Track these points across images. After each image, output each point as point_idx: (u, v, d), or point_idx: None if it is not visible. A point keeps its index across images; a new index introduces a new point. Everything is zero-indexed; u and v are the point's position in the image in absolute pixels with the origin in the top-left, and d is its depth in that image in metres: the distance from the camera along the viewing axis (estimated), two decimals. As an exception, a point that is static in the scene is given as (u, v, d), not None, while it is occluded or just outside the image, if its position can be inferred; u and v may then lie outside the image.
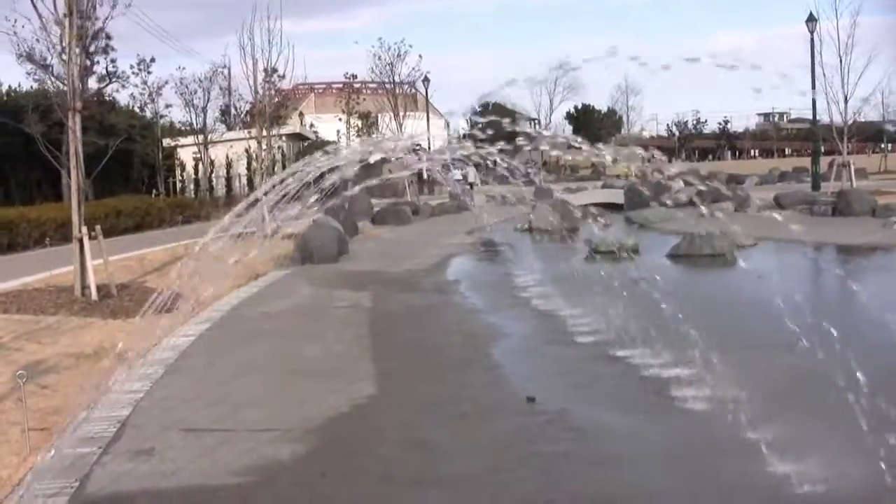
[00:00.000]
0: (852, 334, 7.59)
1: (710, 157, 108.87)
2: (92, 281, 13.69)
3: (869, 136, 73.76)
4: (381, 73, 45.42)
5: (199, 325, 11.86)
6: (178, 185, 43.16)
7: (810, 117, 39.73)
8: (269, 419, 7.30)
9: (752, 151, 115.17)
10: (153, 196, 35.38)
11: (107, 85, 35.46)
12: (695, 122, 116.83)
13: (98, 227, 14.18)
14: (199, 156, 43.08)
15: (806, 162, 46.11)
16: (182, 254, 18.49)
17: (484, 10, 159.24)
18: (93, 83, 29.82)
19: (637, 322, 9.79)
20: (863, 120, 57.91)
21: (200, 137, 42.53)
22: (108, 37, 32.33)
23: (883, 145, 62.08)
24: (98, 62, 28.99)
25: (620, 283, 15.07)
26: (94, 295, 13.60)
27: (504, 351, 10.18)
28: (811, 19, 34.79)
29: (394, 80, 45.24)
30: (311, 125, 62.60)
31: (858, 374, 6.03)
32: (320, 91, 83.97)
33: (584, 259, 19.76)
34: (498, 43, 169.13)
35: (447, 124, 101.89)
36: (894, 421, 5.75)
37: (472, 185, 28.88)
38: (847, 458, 5.79)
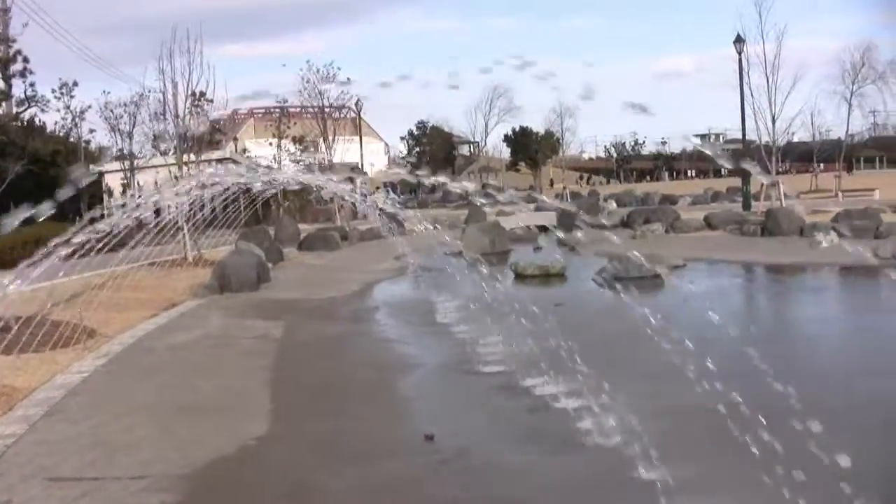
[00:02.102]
0: (781, 366, 7.24)
1: (648, 177, 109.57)
2: (-14, 314, 12.99)
3: (801, 156, 74.66)
4: (309, 95, 44.88)
5: (95, 360, 11.22)
6: (106, 212, 42.08)
7: (744, 138, 39.98)
8: (144, 465, 6.77)
9: (689, 172, 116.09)
10: (76, 223, 34.43)
11: (25, 109, 34.57)
12: (633, 143, 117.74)
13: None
14: (126, 181, 42.25)
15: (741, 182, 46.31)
16: (96, 284, 17.85)
17: (415, 30, 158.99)
18: (7, 107, 29.11)
19: (551, 351, 9.37)
20: (797, 140, 58.67)
21: (127, 163, 41.71)
22: (26, 59, 31.66)
23: (814, 166, 62.71)
24: (12, 85, 28.34)
25: (542, 309, 14.77)
26: (-13, 329, 12.90)
27: (412, 384, 9.76)
28: (738, 40, 35.02)
29: (322, 104, 44.72)
30: (245, 150, 61.77)
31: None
32: (259, 116, 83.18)
33: (511, 283, 19.45)
34: (434, 64, 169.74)
35: (387, 148, 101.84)
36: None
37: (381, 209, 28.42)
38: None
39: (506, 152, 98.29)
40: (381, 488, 6.20)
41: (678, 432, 6.96)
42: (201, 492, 6.20)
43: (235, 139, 67.93)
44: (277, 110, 53.21)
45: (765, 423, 5.52)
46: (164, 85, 27.82)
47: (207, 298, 17.31)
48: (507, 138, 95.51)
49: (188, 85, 27.97)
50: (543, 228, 33.13)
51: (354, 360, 11.22)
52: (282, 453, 7.08)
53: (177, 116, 27.58)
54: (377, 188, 69.10)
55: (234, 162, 52.05)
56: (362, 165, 54.31)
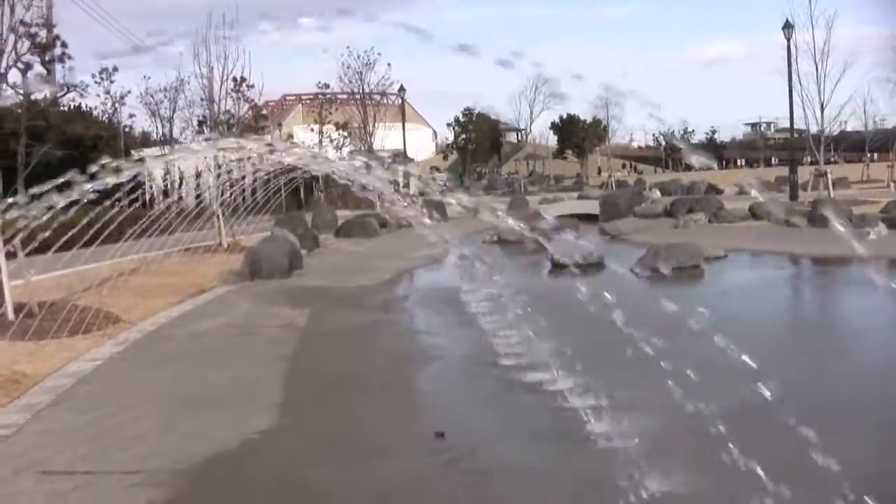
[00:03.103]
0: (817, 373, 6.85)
1: (698, 166, 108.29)
2: (8, 299, 12.86)
3: (854, 145, 73.37)
4: (350, 82, 44.78)
5: (113, 347, 11.04)
6: (147, 197, 42.15)
7: (791, 126, 39.24)
8: (141, 459, 6.52)
9: (739, 161, 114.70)
10: (117, 208, 34.36)
11: (64, 94, 34.64)
12: (682, 132, 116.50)
13: (18, 241, 13.33)
14: (167, 167, 42.18)
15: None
16: (127, 269, 17.75)
17: (463, 17, 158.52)
18: (48, 91, 29.14)
19: (580, 345, 9.05)
20: (850, 129, 57.59)
21: (168, 148, 41.82)
22: (65, 44, 31.67)
23: (867, 155, 61.52)
24: (51, 70, 28.33)
25: (574, 300, 14.41)
26: (10, 314, 12.76)
27: (430, 377, 9.46)
28: (787, 26, 34.26)
29: (363, 90, 44.56)
30: (290, 136, 61.78)
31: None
32: (308, 101, 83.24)
33: (546, 273, 19.11)
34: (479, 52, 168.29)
35: (435, 134, 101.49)
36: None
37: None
38: None
39: (552, 140, 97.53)
40: (385, 491, 5.90)
41: (672, 430, 6.60)
42: (194, 489, 5.93)
43: (280, 125, 67.96)
44: (321, 96, 53.21)
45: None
46: (200, 69, 27.66)
47: (237, 285, 17.11)
48: (553, 126, 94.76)
49: (223, 70, 27.78)
50: (587, 217, 32.76)
51: (376, 350, 10.94)
52: (284, 449, 6.80)
53: (211, 101, 27.43)
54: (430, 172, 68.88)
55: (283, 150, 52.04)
56: (405, 152, 54.01)
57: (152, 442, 6.96)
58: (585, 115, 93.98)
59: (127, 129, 44.98)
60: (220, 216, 23.82)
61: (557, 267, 19.40)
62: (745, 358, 5.83)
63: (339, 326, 12.79)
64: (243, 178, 28.99)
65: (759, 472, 4.87)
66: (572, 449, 6.69)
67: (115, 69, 43.11)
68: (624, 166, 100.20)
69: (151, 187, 44.74)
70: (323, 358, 10.54)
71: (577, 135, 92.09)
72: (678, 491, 5.44)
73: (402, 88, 49.20)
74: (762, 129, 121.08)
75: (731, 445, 5.21)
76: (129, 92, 43.99)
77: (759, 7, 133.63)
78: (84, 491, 5.87)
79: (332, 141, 48.62)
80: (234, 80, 35.56)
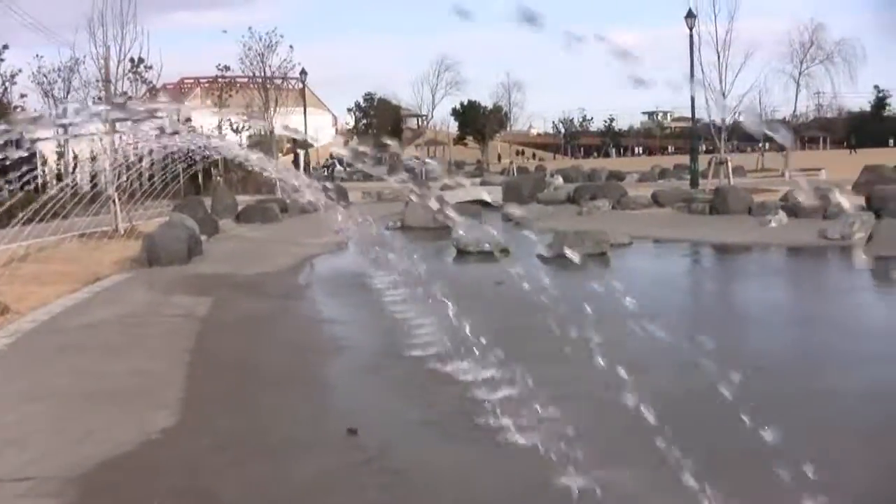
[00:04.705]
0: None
1: (596, 154, 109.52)
2: None
3: (748, 135, 74.78)
4: (251, 63, 43.96)
5: (3, 338, 10.43)
6: (40, 181, 40.95)
7: (693, 115, 39.72)
8: (32, 463, 6.07)
9: (637, 149, 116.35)
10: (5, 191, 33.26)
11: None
12: (581, 119, 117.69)
13: None
14: (61, 150, 41.00)
15: (688, 159, 46.14)
16: (18, 256, 17.00)
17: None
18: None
19: (491, 333, 8.78)
20: (742, 119, 58.54)
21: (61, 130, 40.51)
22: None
23: (760, 144, 62.76)
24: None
25: (481, 287, 14.22)
26: None
27: (339, 368, 9.15)
28: (690, 15, 34.60)
29: (264, 72, 43.77)
30: (188, 119, 60.55)
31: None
32: (206, 85, 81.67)
33: (452, 260, 18.90)
34: (380, 34, 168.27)
35: (335, 120, 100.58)
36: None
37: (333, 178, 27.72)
38: None
39: (454, 126, 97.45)
40: (291, 496, 5.58)
41: (592, 420, 6.45)
42: (85, 497, 5.52)
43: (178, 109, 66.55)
44: (221, 79, 52.19)
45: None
46: (96, 49, 26.74)
47: (134, 272, 16.50)
48: (454, 112, 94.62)
49: (120, 50, 26.88)
50: (489, 203, 32.61)
51: (281, 341, 10.55)
52: (187, 451, 6.41)
53: (107, 82, 26.54)
54: (326, 160, 68.23)
55: (175, 132, 50.92)
56: (307, 136, 53.31)
57: (46, 444, 6.49)
58: (486, 101, 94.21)
59: (19, 110, 43.39)
60: (117, 201, 23.03)
61: (463, 253, 19.22)
62: (658, 341, 6.15)
63: (241, 315, 12.35)
64: (140, 160, 28.24)
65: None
66: (488, 443, 6.42)
67: (6, 47, 41.55)
68: (518, 153, 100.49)
69: (45, 171, 43.45)
70: (226, 349, 10.11)
71: (477, 121, 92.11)
72: (598, 484, 5.22)
73: (303, 72, 48.50)
74: (659, 117, 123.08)
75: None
76: (20, 71, 42.42)
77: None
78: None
79: (231, 125, 47.72)
80: (132, 60, 34.60)
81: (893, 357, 9.33)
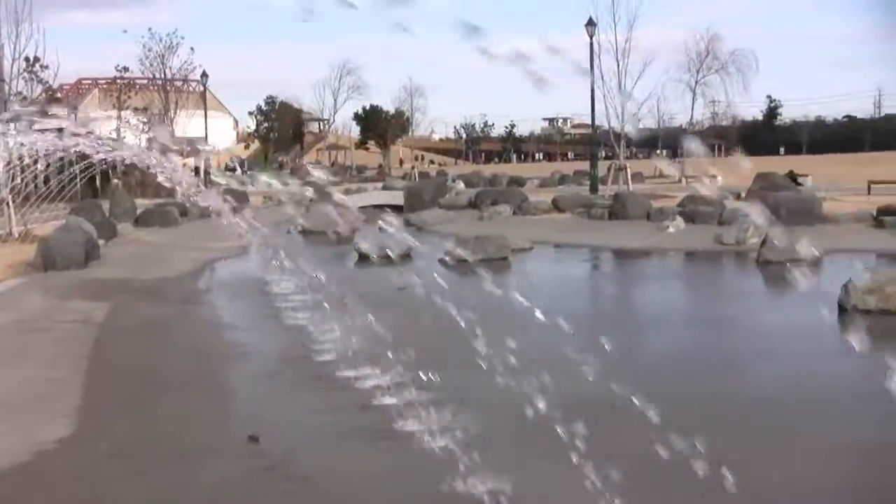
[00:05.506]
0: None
1: (497, 159, 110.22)
2: None
3: (646, 142, 76.35)
4: (151, 65, 43.33)
5: None
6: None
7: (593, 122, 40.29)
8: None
9: (537, 155, 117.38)
10: None
11: None
12: (482, 125, 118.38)
13: None
14: (-50, 151, 39.83)
15: (588, 165, 46.85)
16: None
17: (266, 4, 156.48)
18: None
19: (391, 338, 8.81)
20: (642, 126, 59.71)
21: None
22: None
23: (658, 151, 64.16)
24: None
25: (382, 291, 14.23)
26: None
27: (239, 374, 9.10)
28: (590, 23, 35.10)
29: (165, 74, 43.18)
30: (89, 121, 59.39)
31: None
32: (105, 86, 79.95)
33: (353, 264, 18.89)
34: (282, 38, 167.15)
35: (236, 123, 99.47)
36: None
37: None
38: None
39: (355, 130, 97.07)
40: (191, 502, 5.54)
41: (492, 422, 6.56)
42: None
43: (76, 109, 65.15)
44: (120, 80, 51.29)
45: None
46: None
47: (28, 277, 16.12)
48: (356, 116, 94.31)
49: (15, 48, 26.24)
50: (391, 208, 32.65)
51: (180, 347, 10.44)
52: (82, 460, 6.32)
53: (1, 80, 25.89)
54: (227, 164, 67.50)
55: (75, 134, 49.87)
56: (207, 139, 52.68)
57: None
58: (389, 106, 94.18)
59: None
60: (10, 204, 22.47)
61: (364, 258, 19.21)
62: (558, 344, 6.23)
63: (139, 321, 12.16)
64: (35, 162, 27.59)
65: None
66: (392, 448, 6.46)
67: None
68: (417, 158, 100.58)
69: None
70: (124, 356, 9.96)
71: (379, 125, 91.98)
72: (502, 487, 5.30)
73: (204, 74, 47.98)
74: (559, 124, 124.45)
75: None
76: None
77: (563, 6, 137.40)
78: None
79: (131, 127, 46.94)
80: (27, 59, 33.79)
81: (775, 354, 9.82)
